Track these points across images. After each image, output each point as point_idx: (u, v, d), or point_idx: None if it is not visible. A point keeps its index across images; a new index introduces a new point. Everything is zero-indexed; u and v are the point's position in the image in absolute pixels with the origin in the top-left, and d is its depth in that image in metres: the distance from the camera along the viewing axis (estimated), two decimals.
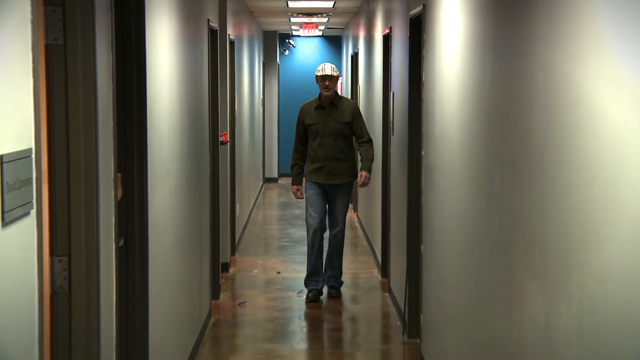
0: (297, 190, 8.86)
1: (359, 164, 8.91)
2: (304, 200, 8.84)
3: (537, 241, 3.45)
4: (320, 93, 8.67)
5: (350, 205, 13.15)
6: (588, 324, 2.81)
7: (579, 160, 2.92)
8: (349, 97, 16.10)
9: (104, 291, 3.74)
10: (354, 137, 8.79)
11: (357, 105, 9.14)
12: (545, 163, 3.32)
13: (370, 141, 8.80)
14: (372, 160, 8.85)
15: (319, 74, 8.68)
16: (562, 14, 3.13)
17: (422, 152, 6.71)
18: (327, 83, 8.57)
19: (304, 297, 8.65)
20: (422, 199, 6.75)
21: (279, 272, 9.97)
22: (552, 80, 3.25)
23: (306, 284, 8.73)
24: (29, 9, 2.73)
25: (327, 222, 8.75)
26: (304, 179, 8.90)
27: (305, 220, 8.81)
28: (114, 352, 3.97)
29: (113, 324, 3.94)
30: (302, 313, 8.35)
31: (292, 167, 8.91)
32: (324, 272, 8.79)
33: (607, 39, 2.69)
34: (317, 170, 8.60)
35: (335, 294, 8.72)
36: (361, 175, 8.78)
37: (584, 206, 2.87)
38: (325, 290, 8.75)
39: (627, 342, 2.50)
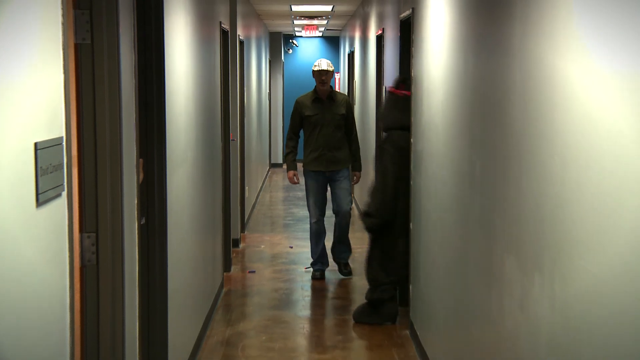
0: (294, 175, 8.63)
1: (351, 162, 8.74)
2: (303, 185, 8.67)
3: (513, 219, 3.45)
4: (316, 87, 8.45)
5: None
6: (559, 292, 2.82)
7: (552, 146, 2.92)
8: (346, 91, 16.13)
9: (128, 264, 3.74)
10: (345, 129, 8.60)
11: (348, 99, 8.89)
12: (522, 150, 3.32)
13: (357, 136, 8.73)
14: (360, 159, 8.82)
15: (315, 69, 8.44)
16: (537, 15, 3.12)
17: (411, 140, 6.70)
18: (323, 77, 8.35)
19: (311, 275, 8.51)
20: (412, 182, 6.75)
21: (291, 247, 10.00)
22: (528, 75, 3.25)
23: (313, 264, 8.58)
24: (59, 12, 2.73)
25: (332, 207, 8.51)
26: (299, 168, 8.68)
27: (308, 209, 8.64)
28: (137, 319, 3.98)
29: (136, 293, 3.95)
30: (305, 284, 8.37)
31: (287, 155, 8.71)
32: (332, 253, 8.64)
33: (579, 36, 2.68)
34: (317, 159, 8.42)
35: (348, 273, 8.56)
36: (354, 176, 8.75)
37: (556, 188, 2.87)
38: (330, 270, 8.61)
39: (593, 308, 2.50)
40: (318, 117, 8.36)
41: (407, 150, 6.59)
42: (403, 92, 6.79)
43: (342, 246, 8.60)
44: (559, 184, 2.84)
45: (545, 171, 3.00)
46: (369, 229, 6.96)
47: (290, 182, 8.71)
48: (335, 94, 8.58)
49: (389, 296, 6.89)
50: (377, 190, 6.74)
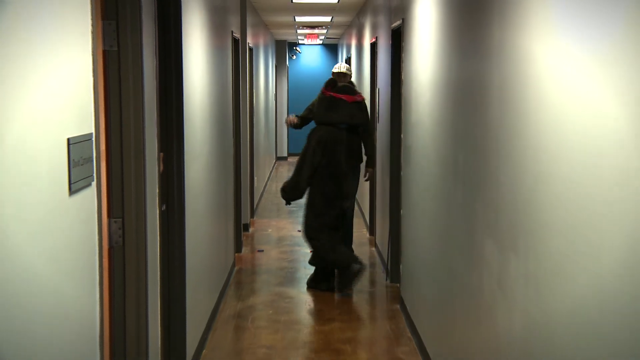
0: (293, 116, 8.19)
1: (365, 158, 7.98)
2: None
3: (492, 206, 3.46)
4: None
5: None
6: (532, 269, 2.83)
7: (526, 141, 2.93)
8: None
9: (150, 246, 3.75)
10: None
11: (364, 99, 7.89)
12: (499, 144, 3.33)
13: (372, 134, 7.96)
14: (375, 156, 8.14)
15: (335, 71, 7.82)
16: (512, 25, 3.12)
17: (402, 136, 6.71)
18: (342, 80, 7.65)
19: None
20: (402, 173, 6.75)
21: (299, 231, 9.94)
22: (504, 78, 3.25)
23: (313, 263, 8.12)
24: (89, 22, 2.73)
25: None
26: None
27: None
28: (159, 294, 4.00)
29: (157, 272, 3.96)
30: (308, 264, 8.37)
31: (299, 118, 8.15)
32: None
33: (551, 43, 2.69)
34: None
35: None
36: (368, 171, 8.06)
37: (529, 178, 2.88)
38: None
39: (562, 282, 2.51)
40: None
41: (330, 142, 7.00)
42: (330, 93, 7.18)
43: (347, 240, 7.80)
44: (532, 174, 2.85)
45: (520, 163, 3.01)
46: (284, 200, 7.48)
47: (288, 121, 8.28)
48: None
49: (323, 264, 7.27)
50: (294, 173, 7.18)
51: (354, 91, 7.30)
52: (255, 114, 11.49)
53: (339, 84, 7.35)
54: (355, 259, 7.11)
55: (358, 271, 7.08)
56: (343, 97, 7.14)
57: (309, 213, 7.27)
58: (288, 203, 7.59)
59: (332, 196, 7.13)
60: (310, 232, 7.23)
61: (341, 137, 7.06)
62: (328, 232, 7.16)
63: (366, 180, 8.33)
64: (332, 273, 7.28)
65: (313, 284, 7.31)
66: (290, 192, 7.25)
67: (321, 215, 7.17)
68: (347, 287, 7.13)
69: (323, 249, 7.15)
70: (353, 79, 13.49)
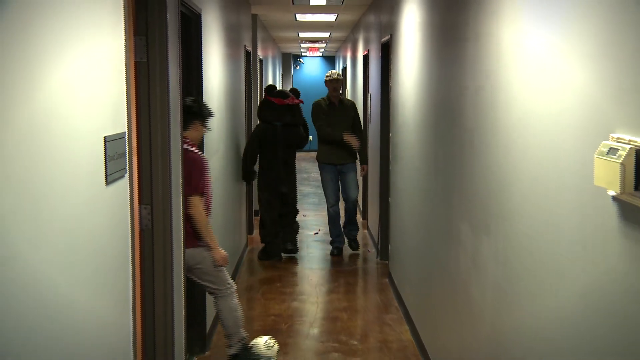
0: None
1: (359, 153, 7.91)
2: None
3: (467, 195, 3.47)
4: (328, 93, 7.66)
5: None
6: (501, 249, 2.84)
7: (496, 139, 2.94)
8: None
9: (175, 228, 3.76)
10: (353, 129, 7.71)
11: (355, 104, 7.98)
12: (473, 142, 3.34)
13: (362, 132, 7.88)
14: (367, 151, 7.96)
15: (328, 79, 7.63)
16: (485, 41, 3.13)
17: (390, 135, 6.71)
18: (335, 85, 7.59)
19: (330, 251, 7.85)
20: (390, 167, 6.76)
21: (305, 215, 9.80)
22: (477, 85, 3.26)
23: (331, 242, 7.88)
24: (123, 37, 2.74)
25: (341, 195, 7.81)
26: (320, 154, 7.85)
27: (325, 196, 7.79)
28: (182, 270, 4.01)
29: (181, 251, 3.97)
30: (311, 244, 8.38)
31: (328, 135, 7.57)
32: (343, 231, 7.91)
33: (519, 54, 2.70)
34: (331, 154, 7.62)
35: (356, 247, 7.90)
36: (363, 168, 8.03)
37: (499, 171, 2.89)
38: (345, 242, 8.01)
39: (526, 259, 2.53)
40: (330, 118, 7.63)
41: (266, 135, 7.29)
42: (267, 97, 7.45)
43: (352, 225, 7.93)
44: (502, 167, 2.86)
45: (491, 158, 3.02)
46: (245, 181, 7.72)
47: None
48: (344, 99, 7.85)
49: (271, 239, 7.49)
50: (242, 162, 7.50)
51: (286, 95, 7.42)
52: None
53: (276, 90, 7.52)
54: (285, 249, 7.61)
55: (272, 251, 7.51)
56: (275, 100, 7.34)
57: (261, 197, 7.54)
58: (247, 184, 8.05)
59: (270, 181, 7.38)
60: (262, 212, 7.53)
61: (275, 132, 7.29)
62: (274, 215, 7.46)
63: (362, 175, 8.27)
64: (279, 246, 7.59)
65: (264, 257, 7.57)
66: (244, 177, 7.51)
67: (267, 199, 7.46)
68: (269, 258, 7.53)
69: (267, 229, 7.49)
70: (348, 87, 13.59)
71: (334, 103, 7.66)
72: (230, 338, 4.46)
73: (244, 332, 4.49)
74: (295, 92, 7.57)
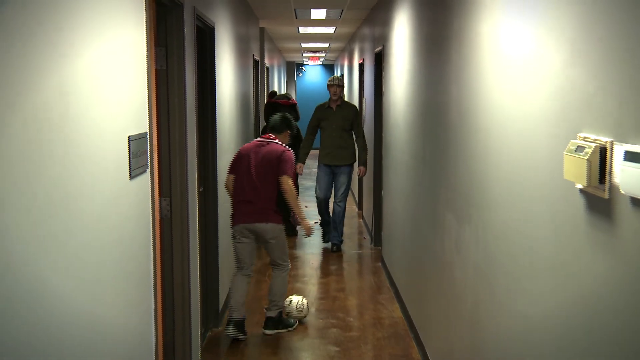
0: (300, 167, 7.27)
1: (358, 156, 7.40)
2: (310, 162, 8.44)
3: (451, 187, 3.47)
4: (330, 98, 7.21)
5: None
6: (482, 235, 2.85)
7: (477, 137, 2.94)
8: None
9: (191, 218, 3.77)
10: (352, 132, 7.21)
11: (357, 108, 7.30)
12: (457, 139, 3.34)
13: (364, 136, 7.24)
14: (366, 155, 7.30)
15: (329, 84, 7.17)
16: (466, 51, 3.13)
17: (383, 134, 6.72)
18: (335, 90, 7.11)
19: (330, 248, 7.31)
20: (383, 162, 6.77)
21: (307, 207, 9.73)
22: (461, 90, 3.26)
23: (323, 235, 7.62)
24: (145, 48, 2.75)
25: (332, 194, 7.35)
26: (306, 160, 7.47)
27: (316, 192, 7.37)
28: (197, 255, 4.02)
29: (197, 238, 3.99)
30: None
31: (301, 148, 7.32)
32: (330, 232, 7.41)
33: (496, 65, 2.70)
34: (326, 155, 7.19)
35: (336, 250, 7.25)
36: (360, 170, 7.34)
37: (480, 165, 2.90)
38: (328, 245, 7.49)
39: (503, 244, 2.53)
40: (328, 122, 7.18)
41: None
42: (273, 100, 7.57)
43: (336, 232, 7.30)
44: (482, 162, 2.86)
45: (473, 154, 3.02)
46: None
47: (296, 170, 7.15)
48: (345, 103, 7.25)
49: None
50: None
51: (289, 97, 7.54)
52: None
53: (279, 94, 7.58)
54: None
55: None
56: (281, 102, 7.45)
57: None
58: None
59: None
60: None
61: None
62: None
63: (359, 176, 7.75)
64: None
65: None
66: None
67: None
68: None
69: None
70: (345, 92, 13.57)
71: (331, 107, 7.27)
72: (272, 304, 4.77)
73: (283, 303, 4.83)
74: (286, 96, 7.72)
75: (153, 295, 2.86)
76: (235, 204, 4.61)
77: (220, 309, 4.94)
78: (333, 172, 7.27)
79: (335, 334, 4.82)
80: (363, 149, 7.24)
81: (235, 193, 4.61)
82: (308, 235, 4.86)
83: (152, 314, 2.84)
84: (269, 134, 4.77)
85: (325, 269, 6.65)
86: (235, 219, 4.60)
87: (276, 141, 4.73)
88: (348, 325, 4.99)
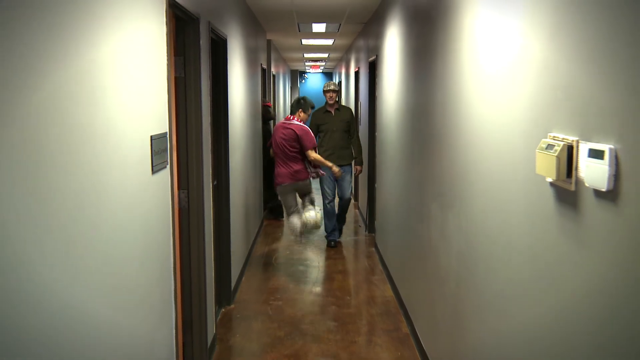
0: (338, 170, 6.42)
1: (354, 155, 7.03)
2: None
3: (436, 180, 3.48)
4: (326, 102, 6.98)
5: None
6: (463, 223, 2.85)
7: (459, 135, 2.95)
8: None
9: (207, 208, 3.77)
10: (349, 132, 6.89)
11: (352, 110, 7.10)
12: (441, 138, 3.34)
13: (358, 137, 6.99)
14: (362, 155, 7.06)
15: (325, 89, 6.94)
16: (451, 57, 3.13)
17: (376, 134, 6.71)
18: (331, 95, 6.88)
19: (327, 244, 6.94)
20: (376, 159, 6.76)
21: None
22: (444, 94, 3.26)
23: (327, 237, 7.02)
24: (165, 57, 2.75)
25: (337, 193, 6.94)
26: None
27: (322, 194, 6.91)
28: (212, 241, 4.03)
29: (211, 226, 3.99)
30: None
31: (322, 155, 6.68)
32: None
33: (475, 72, 2.70)
34: (330, 156, 6.70)
35: (334, 245, 6.87)
36: (357, 169, 7.09)
37: (462, 162, 2.90)
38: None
39: (483, 230, 2.54)
40: (327, 125, 6.85)
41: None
42: (264, 104, 8.16)
43: (341, 217, 6.98)
44: (464, 159, 2.87)
45: (455, 150, 3.02)
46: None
47: (336, 174, 6.44)
48: (341, 107, 7.00)
49: (274, 205, 8.27)
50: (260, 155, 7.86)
51: (265, 101, 8.14)
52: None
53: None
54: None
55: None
56: (263, 104, 8.10)
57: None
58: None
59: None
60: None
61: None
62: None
63: (356, 175, 7.26)
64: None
65: (269, 216, 8.36)
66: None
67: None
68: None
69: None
70: (343, 96, 13.53)
71: (329, 111, 6.98)
72: (299, 220, 5.94)
73: (300, 230, 5.93)
74: (265, 100, 8.35)
75: (173, 276, 2.87)
76: (276, 168, 5.95)
77: (232, 288, 4.96)
78: None
79: (334, 311, 4.83)
80: (359, 148, 7.01)
81: (275, 161, 5.99)
82: (337, 177, 6.24)
83: (172, 293, 2.85)
84: (288, 116, 6.10)
85: (325, 253, 6.66)
86: (278, 179, 5.89)
87: (294, 121, 5.97)
88: (345, 303, 5.01)
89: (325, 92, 7.00)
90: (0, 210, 1.33)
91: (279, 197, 6.08)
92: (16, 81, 1.40)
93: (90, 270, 1.83)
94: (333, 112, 7.00)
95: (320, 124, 6.95)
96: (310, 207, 5.92)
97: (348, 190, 6.94)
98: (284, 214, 7.91)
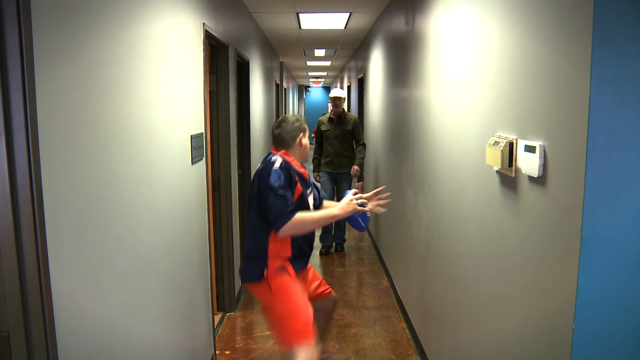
0: (317, 175, 5.62)
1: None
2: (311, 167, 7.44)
3: (410, 169, 3.47)
4: (331, 109, 5.75)
5: None
6: (431, 203, 2.85)
7: (427, 136, 2.94)
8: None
9: (233, 191, 3.78)
10: (354, 140, 5.59)
11: (357, 118, 5.40)
12: (415, 138, 3.33)
13: (364, 144, 5.68)
14: (362, 158, 5.61)
15: (331, 96, 5.64)
16: (420, 78, 3.13)
17: (364, 135, 6.69)
18: (337, 102, 5.48)
19: (319, 251, 5.51)
20: (363, 159, 6.70)
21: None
22: (417, 104, 3.24)
23: (320, 240, 5.49)
24: (202, 76, 2.75)
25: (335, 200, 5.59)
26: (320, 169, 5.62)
27: None
28: (238, 216, 4.02)
29: (237, 205, 3.98)
30: None
31: (312, 160, 5.58)
32: (332, 233, 5.53)
33: (439, 87, 2.70)
34: (328, 163, 5.57)
35: (340, 249, 5.51)
36: (353, 168, 5.60)
37: (430, 155, 2.89)
38: (333, 245, 5.75)
39: (447, 207, 2.54)
40: (329, 132, 5.63)
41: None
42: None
43: (339, 232, 5.81)
44: (431, 153, 2.86)
45: (425, 148, 3.01)
46: None
47: (315, 180, 5.45)
48: (346, 114, 5.43)
49: None
50: None
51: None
52: None
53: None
54: None
55: None
56: None
57: None
58: None
59: None
60: None
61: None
62: None
63: (352, 175, 5.86)
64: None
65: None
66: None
67: None
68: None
69: None
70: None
71: (333, 118, 5.70)
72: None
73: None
74: None
75: (208, 241, 2.87)
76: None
77: None
78: (335, 178, 5.52)
79: (331, 269, 4.85)
80: (360, 152, 5.61)
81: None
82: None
83: (207, 254, 2.86)
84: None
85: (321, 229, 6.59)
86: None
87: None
88: (341, 263, 5.02)
89: (330, 99, 5.69)
90: (79, 195, 1.36)
91: None
92: (97, 98, 1.42)
93: (149, 234, 1.85)
94: (335, 120, 5.77)
95: (324, 130, 5.78)
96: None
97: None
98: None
